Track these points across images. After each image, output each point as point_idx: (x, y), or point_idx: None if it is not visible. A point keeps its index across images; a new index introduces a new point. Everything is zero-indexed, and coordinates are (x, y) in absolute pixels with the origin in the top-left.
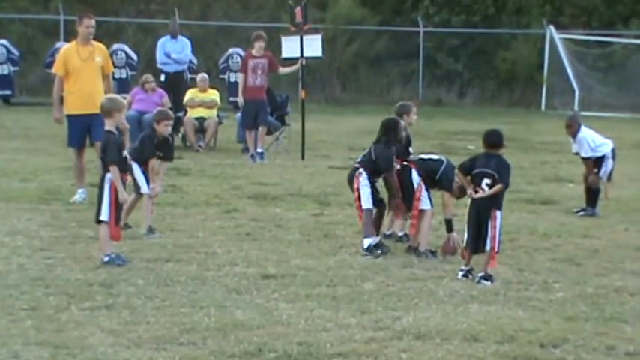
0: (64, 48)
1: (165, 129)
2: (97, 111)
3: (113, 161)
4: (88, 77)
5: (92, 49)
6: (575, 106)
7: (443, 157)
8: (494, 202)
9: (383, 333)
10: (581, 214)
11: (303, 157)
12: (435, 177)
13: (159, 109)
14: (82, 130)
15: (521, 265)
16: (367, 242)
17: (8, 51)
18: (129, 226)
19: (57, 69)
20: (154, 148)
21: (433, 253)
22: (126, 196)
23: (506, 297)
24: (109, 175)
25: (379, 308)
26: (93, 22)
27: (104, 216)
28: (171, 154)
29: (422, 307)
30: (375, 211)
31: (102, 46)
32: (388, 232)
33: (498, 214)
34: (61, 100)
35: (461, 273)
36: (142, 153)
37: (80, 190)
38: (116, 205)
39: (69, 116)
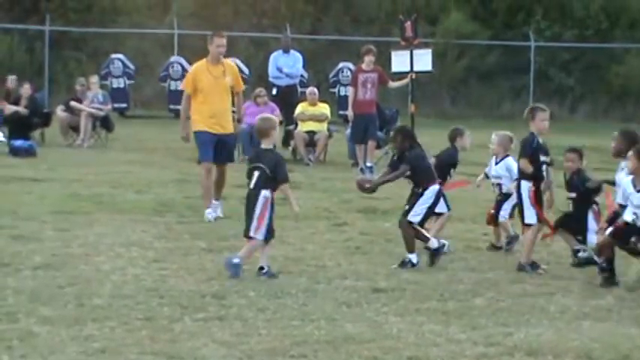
0: (195, 66)
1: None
2: (224, 131)
3: (286, 179)
4: (216, 97)
5: (223, 69)
6: None
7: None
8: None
9: (494, 349)
10: None
11: None
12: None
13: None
14: (211, 144)
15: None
16: None
17: (124, 65)
18: None
19: (185, 87)
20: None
21: (532, 266)
22: (297, 209)
23: (620, 314)
24: (265, 192)
25: (490, 324)
26: (224, 40)
27: (259, 234)
28: None
29: (533, 324)
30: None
31: (232, 64)
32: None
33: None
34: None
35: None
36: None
37: (209, 210)
38: (262, 220)
39: (199, 132)
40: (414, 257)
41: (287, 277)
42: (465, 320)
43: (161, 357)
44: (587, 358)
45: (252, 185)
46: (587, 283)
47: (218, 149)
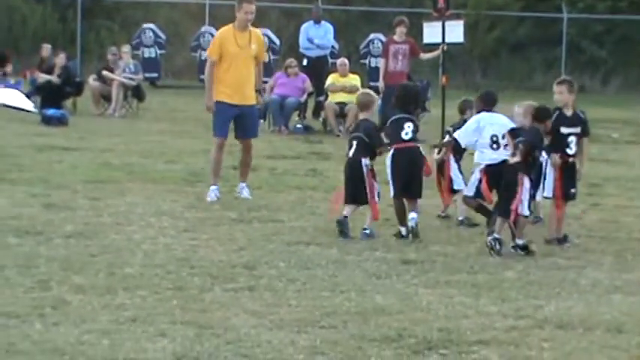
0: (220, 32)
1: None
2: (246, 102)
3: (381, 143)
4: (241, 65)
5: (249, 37)
6: None
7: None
8: None
9: (524, 322)
10: None
11: None
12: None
13: None
14: (229, 118)
15: None
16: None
17: (155, 34)
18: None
19: (210, 53)
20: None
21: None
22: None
23: None
24: (365, 161)
25: (520, 297)
26: (253, 7)
27: (374, 199)
28: None
29: (564, 297)
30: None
31: (259, 33)
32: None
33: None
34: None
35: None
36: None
37: (213, 187)
38: (373, 187)
39: (217, 102)
40: (403, 230)
41: (317, 248)
42: (496, 293)
43: (191, 326)
44: (618, 332)
45: (351, 154)
46: (619, 256)
47: (240, 123)
